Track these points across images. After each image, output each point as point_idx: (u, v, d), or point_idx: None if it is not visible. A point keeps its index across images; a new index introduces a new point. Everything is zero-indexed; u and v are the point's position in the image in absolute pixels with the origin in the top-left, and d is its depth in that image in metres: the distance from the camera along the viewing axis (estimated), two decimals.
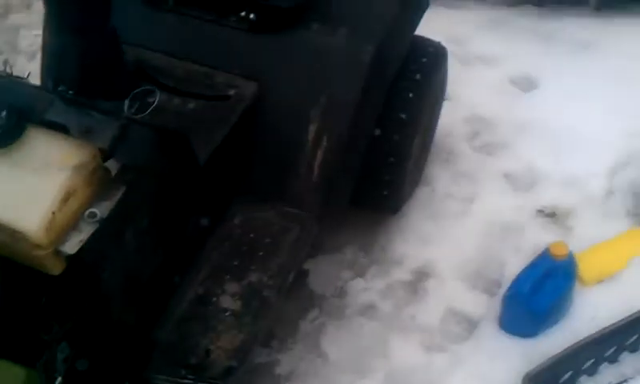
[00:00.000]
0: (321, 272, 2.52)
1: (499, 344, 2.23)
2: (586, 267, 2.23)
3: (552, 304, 2.14)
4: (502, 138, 2.84)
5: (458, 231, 2.56)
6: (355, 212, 2.53)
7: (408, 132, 2.26)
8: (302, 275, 2.47)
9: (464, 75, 2.91)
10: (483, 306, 2.37)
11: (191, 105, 1.95)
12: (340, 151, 2.03)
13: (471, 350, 2.27)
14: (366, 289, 2.48)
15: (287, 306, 2.36)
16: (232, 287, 1.95)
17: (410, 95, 2.23)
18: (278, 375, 2.30)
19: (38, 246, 1.42)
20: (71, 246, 1.44)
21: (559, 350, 2.04)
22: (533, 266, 2.15)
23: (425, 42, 2.36)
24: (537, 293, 2.09)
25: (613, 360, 2.12)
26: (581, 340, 2.05)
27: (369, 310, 2.43)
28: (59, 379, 1.55)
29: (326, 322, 2.41)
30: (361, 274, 2.52)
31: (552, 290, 2.11)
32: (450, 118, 2.75)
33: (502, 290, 2.33)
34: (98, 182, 1.52)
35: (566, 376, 2.04)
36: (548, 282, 2.09)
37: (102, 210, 1.50)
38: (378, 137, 2.19)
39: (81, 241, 1.45)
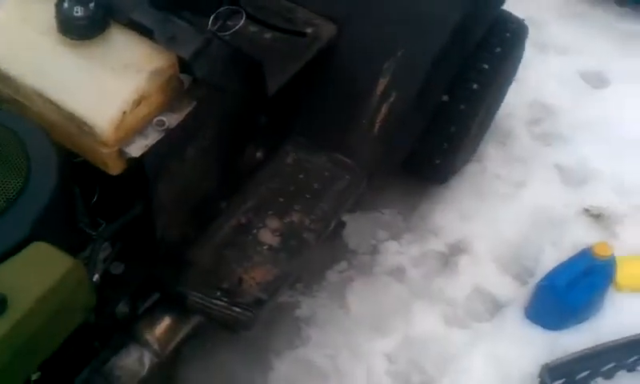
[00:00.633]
0: (357, 227, 2.53)
1: (521, 331, 2.23)
2: (624, 273, 2.21)
3: (584, 302, 2.14)
4: (562, 129, 2.79)
5: (501, 213, 2.55)
6: (401, 176, 2.52)
7: (476, 103, 2.23)
8: (339, 226, 2.48)
9: (535, 60, 2.85)
10: (512, 291, 2.37)
11: (268, 35, 1.93)
12: (405, 110, 2.00)
13: (492, 332, 2.27)
14: (398, 252, 2.48)
15: (318, 253, 2.37)
16: (273, 223, 1.96)
17: (486, 67, 2.19)
18: (297, 317, 2.33)
19: (104, 143, 1.43)
20: (135, 149, 1.45)
21: (581, 348, 2.04)
22: (573, 261, 2.14)
23: (510, 17, 2.31)
24: (572, 288, 2.08)
25: (631, 369, 2.12)
26: (604, 343, 2.05)
27: (398, 272, 2.44)
28: (96, 276, 1.58)
29: (354, 276, 2.43)
30: (396, 237, 2.52)
31: (587, 288, 2.10)
32: (514, 99, 2.71)
33: (534, 280, 2.33)
34: (171, 92, 1.51)
35: (583, 374, 2.05)
36: (585, 279, 2.08)
37: (170, 119, 1.50)
38: (444, 103, 2.17)
39: (146, 145, 1.46)
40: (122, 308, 1.75)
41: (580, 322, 2.19)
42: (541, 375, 1.94)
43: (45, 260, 1.30)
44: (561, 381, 1.99)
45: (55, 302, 1.29)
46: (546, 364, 1.95)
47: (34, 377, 1.41)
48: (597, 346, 2.04)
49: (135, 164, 1.48)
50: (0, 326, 1.19)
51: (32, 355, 1.31)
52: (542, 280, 2.19)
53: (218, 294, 1.75)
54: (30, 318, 1.23)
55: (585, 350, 2.03)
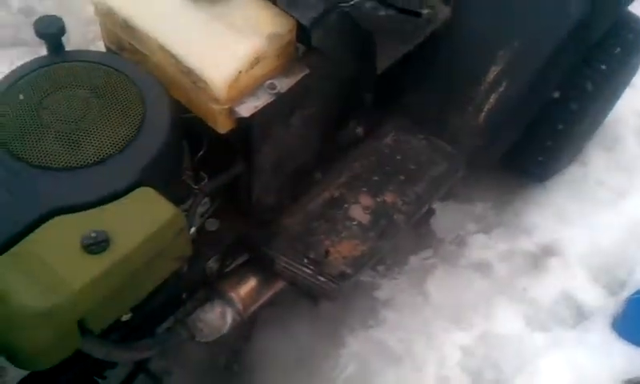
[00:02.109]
0: (446, 216, 2.49)
1: (605, 343, 2.16)
2: None
3: None
4: None
5: (599, 221, 2.45)
6: (498, 169, 2.46)
7: (588, 104, 2.15)
8: (428, 213, 2.44)
9: None
10: (600, 301, 2.29)
11: (383, 12, 1.90)
12: (514, 102, 1.95)
13: (574, 339, 2.20)
14: (486, 246, 2.43)
15: (404, 237, 2.35)
16: (366, 200, 1.95)
17: (603, 67, 2.10)
18: (376, 298, 2.32)
19: (217, 100, 1.46)
20: (246, 109, 1.47)
21: None
22: None
23: (634, 19, 2.20)
24: None
25: None
26: None
27: (483, 267, 2.39)
28: (193, 229, 1.62)
29: (438, 264, 2.40)
30: (486, 230, 2.47)
31: None
32: (626, 106, 2.59)
33: (625, 292, 2.24)
34: (286, 57, 1.53)
35: None
36: None
37: (281, 84, 1.51)
38: (554, 100, 2.09)
39: (256, 107, 1.48)
40: (212, 264, 1.79)
41: None
42: None
43: (150, 205, 1.35)
44: None
45: (155, 247, 1.33)
46: (629, 380, 1.88)
47: (125, 317, 1.47)
48: None
49: (243, 124, 1.50)
50: (101, 262, 1.24)
51: (127, 295, 1.37)
52: (635, 293, 2.11)
53: (306, 261, 1.77)
54: (129, 258, 1.28)
55: None
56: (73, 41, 2.17)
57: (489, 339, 2.23)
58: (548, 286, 2.33)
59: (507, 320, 2.27)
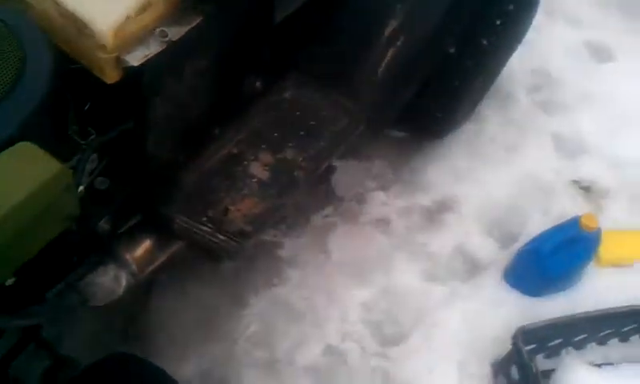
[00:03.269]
0: (345, 174, 2.50)
1: (498, 294, 2.24)
2: (606, 248, 2.22)
3: (565, 271, 2.15)
4: (562, 99, 2.77)
5: (492, 176, 2.53)
6: (396, 127, 2.49)
7: (483, 60, 2.19)
8: (328, 171, 2.45)
9: (544, 26, 2.79)
10: (493, 254, 2.37)
11: None
12: (412, 57, 1.96)
13: (469, 292, 2.28)
14: (385, 203, 2.46)
15: (305, 195, 2.34)
16: (265, 157, 1.92)
17: (498, 23, 2.14)
18: (279, 257, 2.32)
19: (103, 47, 1.36)
20: (135, 58, 1.39)
21: (556, 316, 2.05)
22: (558, 229, 2.15)
23: None
24: (554, 255, 2.09)
25: (602, 342, 2.14)
26: (579, 313, 2.07)
27: (382, 224, 2.42)
28: (81, 188, 1.53)
29: (338, 222, 2.41)
30: (384, 188, 2.50)
31: (570, 258, 2.12)
32: (517, 63, 2.66)
33: (517, 245, 2.32)
34: (177, 3, 1.45)
35: (555, 342, 2.07)
36: (568, 248, 2.09)
37: (172, 32, 1.43)
38: (450, 55, 2.11)
39: (146, 56, 1.40)
40: (104, 225, 1.70)
41: (557, 291, 2.21)
42: (514, 337, 1.95)
43: (31, 161, 1.25)
44: (533, 345, 2.00)
45: (38, 206, 1.24)
46: (521, 327, 1.96)
47: (9, 282, 1.38)
48: (572, 315, 2.06)
49: (132, 74, 1.42)
50: None
51: (9, 258, 1.27)
52: (525, 245, 2.20)
53: (204, 219, 1.71)
54: (10, 219, 1.18)
55: (560, 317, 2.04)
56: None
57: (389, 294, 2.28)
58: (444, 241, 2.40)
59: (406, 275, 2.32)
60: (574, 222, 2.08)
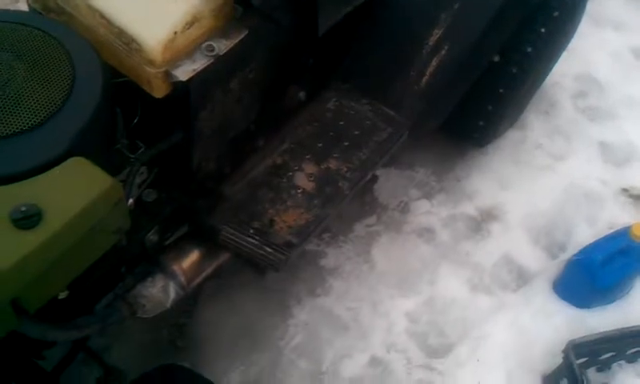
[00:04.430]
0: (389, 183, 2.49)
1: (547, 305, 2.20)
2: None
3: (616, 282, 2.11)
4: (608, 106, 2.72)
5: (538, 184, 2.50)
6: (439, 135, 2.46)
7: (528, 67, 2.16)
8: (370, 180, 2.44)
9: (590, 32, 2.76)
10: (541, 264, 2.34)
11: None
12: (456, 65, 1.94)
13: (517, 302, 2.24)
14: (429, 212, 2.44)
15: (348, 204, 2.33)
16: (309, 167, 1.92)
17: (543, 31, 2.11)
18: (322, 267, 2.31)
19: (151, 63, 1.39)
20: (183, 73, 1.40)
21: (607, 328, 2.01)
22: (609, 240, 2.10)
23: None
24: (606, 266, 2.05)
25: None
26: (631, 326, 2.02)
27: (427, 233, 2.40)
28: (130, 201, 1.54)
29: (382, 232, 2.39)
30: (428, 196, 2.48)
31: (621, 268, 2.07)
32: (563, 70, 2.63)
33: (565, 255, 2.29)
34: (224, 18, 1.46)
35: (607, 355, 2.02)
36: (619, 259, 2.05)
37: (219, 46, 1.45)
38: (495, 63, 2.09)
39: (193, 70, 1.41)
40: (152, 237, 1.72)
41: (608, 303, 2.16)
42: (565, 351, 1.91)
43: (83, 176, 1.27)
44: (584, 359, 1.96)
45: (90, 221, 1.26)
46: (572, 340, 1.92)
47: (62, 296, 1.40)
48: (624, 328, 2.01)
49: (180, 88, 1.44)
50: (33, 238, 1.17)
51: (62, 273, 1.29)
52: (576, 255, 2.16)
53: (251, 231, 1.72)
54: (63, 234, 1.20)
55: (611, 331, 1.99)
56: None
57: (434, 304, 2.25)
58: (490, 250, 2.37)
59: (451, 285, 2.30)
60: (625, 232, 2.04)
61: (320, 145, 1.95)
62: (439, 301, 2.26)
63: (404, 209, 2.44)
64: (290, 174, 1.89)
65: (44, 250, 1.18)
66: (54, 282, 1.28)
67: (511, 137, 2.58)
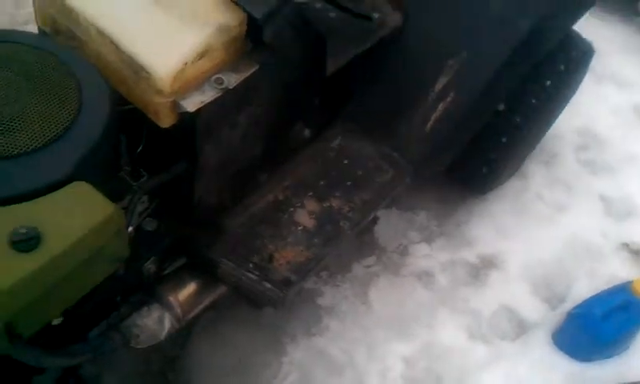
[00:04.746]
0: (389, 225, 2.48)
1: (546, 356, 2.17)
2: None
3: (617, 336, 2.09)
4: (609, 160, 2.73)
5: (538, 234, 2.49)
6: (441, 180, 2.47)
7: (532, 118, 2.18)
8: (372, 221, 2.43)
9: (592, 87, 2.78)
10: (540, 315, 2.32)
11: (333, 14, 1.88)
12: (461, 112, 1.95)
13: (515, 352, 2.21)
14: (429, 256, 2.43)
15: (347, 244, 2.32)
16: (311, 205, 1.91)
17: (548, 83, 2.13)
18: (319, 305, 2.29)
19: (160, 92, 1.39)
20: (191, 104, 1.41)
21: (607, 383, 1.99)
22: (609, 294, 2.10)
23: (578, 38, 2.25)
24: (606, 320, 2.03)
25: None
26: (631, 382, 2.02)
27: (426, 277, 2.39)
28: (130, 229, 1.54)
29: (380, 273, 2.38)
30: (428, 240, 2.47)
31: (621, 323, 2.06)
32: (565, 122, 2.65)
33: (564, 306, 2.27)
34: (235, 52, 1.48)
35: None
36: (620, 314, 2.04)
37: (229, 79, 1.46)
38: (499, 112, 2.11)
39: (201, 102, 1.42)
40: (150, 266, 1.71)
41: (608, 357, 2.14)
42: None
43: (86, 201, 1.27)
44: None
45: (91, 247, 1.25)
46: None
47: (56, 322, 1.38)
48: (621, 382, 1.99)
49: (187, 120, 1.44)
50: (31, 261, 1.16)
51: (58, 299, 1.28)
52: (576, 307, 2.14)
53: (250, 266, 1.71)
54: (62, 259, 1.19)
55: None
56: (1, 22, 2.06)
57: (431, 350, 2.23)
58: (489, 298, 2.35)
59: (449, 331, 2.27)
60: (625, 288, 2.03)
61: (322, 183, 1.95)
62: (436, 347, 2.24)
63: (403, 251, 2.43)
64: (292, 210, 1.89)
65: (41, 274, 1.17)
66: (49, 307, 1.27)
67: (513, 185, 2.58)
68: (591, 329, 2.06)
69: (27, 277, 1.14)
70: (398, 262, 2.40)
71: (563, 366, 2.13)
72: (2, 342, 1.18)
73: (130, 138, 1.55)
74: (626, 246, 2.51)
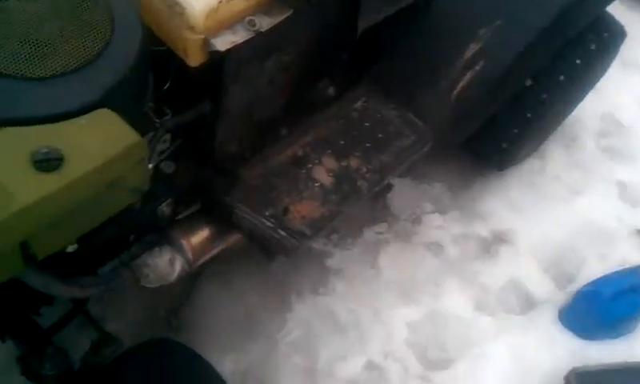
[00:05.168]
0: (403, 194, 2.49)
1: (551, 332, 2.18)
2: None
3: (624, 317, 2.11)
4: (630, 148, 2.72)
5: (552, 215, 2.49)
6: (459, 152, 2.45)
7: (558, 95, 2.16)
8: (386, 189, 2.43)
9: (619, 73, 2.74)
10: (548, 293, 2.32)
11: None
12: (489, 83, 1.93)
13: (520, 326, 2.22)
14: (441, 227, 2.44)
15: (359, 209, 2.32)
16: (330, 163, 1.91)
17: (578, 61, 2.10)
18: (328, 267, 2.30)
19: (192, 28, 1.38)
20: (222, 43, 1.39)
21: (610, 362, 2.01)
22: (621, 275, 2.12)
23: (611, 19, 2.23)
24: (614, 300, 2.05)
25: None
26: (635, 362, 2.02)
27: (436, 247, 2.40)
28: (150, 166, 1.53)
29: (391, 240, 2.39)
30: (441, 211, 2.47)
31: (630, 304, 2.08)
32: (588, 106, 2.63)
33: (572, 286, 2.28)
34: None
35: None
36: (629, 295, 2.06)
37: (262, 22, 1.44)
38: (526, 87, 2.09)
39: (232, 42, 1.40)
40: (165, 208, 1.71)
41: (613, 337, 2.15)
42: (567, 378, 1.90)
43: (110, 128, 1.26)
44: None
45: (112, 174, 1.25)
46: (576, 368, 1.91)
47: (70, 248, 1.38)
48: (628, 362, 2.01)
49: (216, 59, 1.43)
50: (52, 181, 1.15)
51: (75, 223, 1.28)
52: (585, 286, 2.14)
53: (266, 214, 1.71)
54: (82, 182, 1.18)
55: (616, 363, 1.98)
56: None
57: (436, 318, 2.24)
58: (498, 273, 2.35)
59: (455, 301, 2.28)
60: (637, 270, 2.03)
61: (342, 142, 1.94)
62: (442, 315, 2.25)
63: (416, 220, 2.43)
64: (310, 166, 1.88)
65: (61, 195, 1.16)
66: (66, 231, 1.27)
67: (530, 164, 2.57)
68: (599, 308, 2.08)
69: (47, 196, 1.14)
70: (409, 231, 2.40)
71: (568, 342, 2.14)
72: (16, 262, 1.18)
73: (157, 78, 1.54)
74: (639, 232, 2.49)
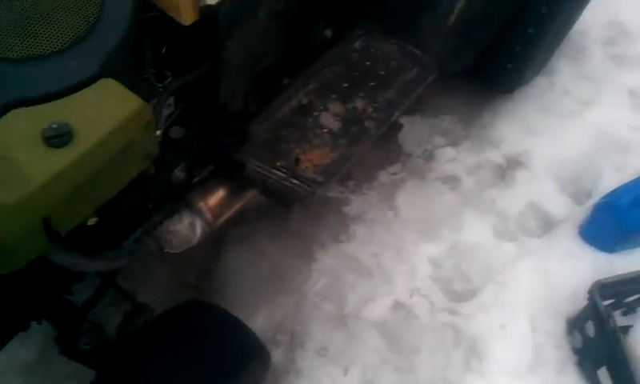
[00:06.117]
0: (414, 131, 2.48)
1: (573, 249, 2.17)
2: None
3: None
4: (638, 54, 2.66)
5: (565, 131, 2.47)
6: (465, 82, 2.43)
7: (559, 7, 2.11)
8: (395, 128, 2.42)
9: None
10: (567, 211, 2.31)
11: None
12: (485, 5, 1.90)
13: (542, 247, 2.22)
14: (454, 159, 2.43)
15: (372, 152, 2.32)
16: (336, 107, 1.91)
17: None
18: (346, 214, 2.31)
19: None
20: None
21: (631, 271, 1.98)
22: (636, 183, 2.08)
23: None
24: (632, 209, 2.03)
25: None
26: None
27: (451, 180, 2.39)
28: (158, 132, 1.54)
29: (406, 179, 2.39)
30: (453, 144, 2.46)
31: None
32: (592, 17, 2.57)
33: (591, 201, 2.26)
34: None
35: (633, 297, 2.00)
36: None
37: None
38: (525, 2, 2.05)
39: None
40: (179, 174, 1.72)
41: (634, 247, 2.14)
42: (590, 292, 1.89)
43: (114, 97, 1.27)
44: (610, 301, 1.94)
45: (121, 141, 1.26)
46: (598, 281, 1.90)
47: (91, 221, 1.40)
48: None
49: (209, 15, 1.42)
50: (64, 157, 1.17)
51: (92, 194, 1.29)
52: (602, 198, 2.13)
53: (278, 165, 1.72)
54: (94, 153, 1.20)
55: (637, 272, 1.96)
56: None
57: (458, 250, 2.24)
58: (516, 197, 2.35)
59: (476, 231, 2.28)
60: None
61: (346, 85, 1.94)
62: (463, 247, 2.25)
63: (429, 156, 2.43)
64: (316, 113, 1.88)
65: (75, 168, 1.18)
66: (84, 203, 1.28)
67: (538, 83, 2.54)
68: (618, 217, 2.05)
69: (62, 171, 1.16)
70: (423, 168, 2.40)
71: (590, 256, 2.13)
72: (40, 239, 1.20)
73: (154, 43, 1.54)
74: None
